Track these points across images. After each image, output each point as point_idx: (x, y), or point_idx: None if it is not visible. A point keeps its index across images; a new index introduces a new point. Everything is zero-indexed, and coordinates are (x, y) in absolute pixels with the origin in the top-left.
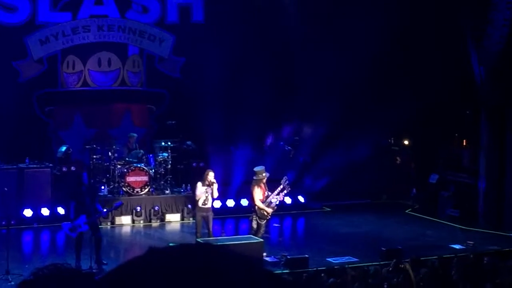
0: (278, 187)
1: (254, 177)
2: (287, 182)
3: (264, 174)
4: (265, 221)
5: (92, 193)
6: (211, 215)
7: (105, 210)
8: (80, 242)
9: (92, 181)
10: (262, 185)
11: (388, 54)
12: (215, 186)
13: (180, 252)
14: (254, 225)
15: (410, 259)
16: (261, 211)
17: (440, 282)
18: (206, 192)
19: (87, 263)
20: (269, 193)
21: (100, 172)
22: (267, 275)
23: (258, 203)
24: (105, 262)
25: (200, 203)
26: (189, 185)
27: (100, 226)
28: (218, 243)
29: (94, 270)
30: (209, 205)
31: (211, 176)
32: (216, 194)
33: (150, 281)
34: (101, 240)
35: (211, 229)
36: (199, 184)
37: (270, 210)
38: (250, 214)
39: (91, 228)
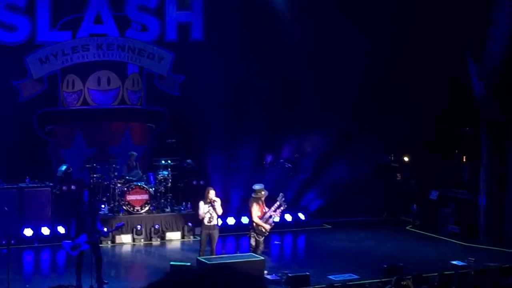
0: (274, 203)
1: (253, 195)
2: (283, 199)
3: (263, 193)
4: (263, 237)
5: (93, 212)
6: (216, 233)
7: (106, 229)
8: (80, 261)
9: (93, 200)
10: (261, 203)
11: (388, 71)
12: (218, 203)
13: (194, 276)
14: (253, 242)
15: (412, 276)
16: (259, 227)
17: None
18: (210, 210)
19: (87, 283)
20: (266, 209)
21: (100, 190)
22: None
23: (256, 219)
24: (106, 281)
25: (205, 221)
26: (189, 203)
27: (100, 245)
28: (220, 262)
29: None
30: (214, 222)
31: (211, 194)
32: (220, 211)
33: None
34: (101, 260)
35: (214, 247)
36: (201, 203)
37: (268, 227)
38: (249, 232)
39: (92, 247)
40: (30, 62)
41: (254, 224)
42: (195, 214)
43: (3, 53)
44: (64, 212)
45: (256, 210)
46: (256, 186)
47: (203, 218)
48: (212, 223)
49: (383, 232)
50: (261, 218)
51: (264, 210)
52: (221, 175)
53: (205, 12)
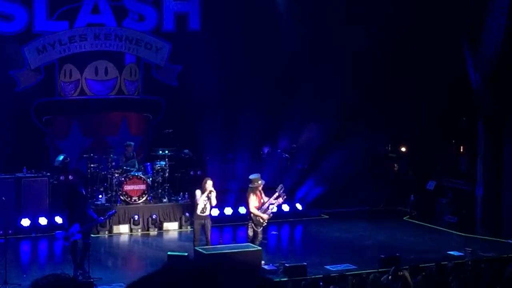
0: (273, 194)
1: (250, 185)
2: (282, 190)
3: (259, 182)
4: (261, 228)
5: (85, 201)
6: (209, 223)
7: (102, 218)
8: (75, 250)
9: (86, 189)
10: (258, 193)
11: (385, 62)
12: (213, 194)
13: (190, 268)
14: (250, 232)
15: (409, 266)
16: (257, 217)
17: None
18: (205, 200)
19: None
20: (265, 200)
21: (97, 181)
22: (268, 283)
23: (253, 210)
24: (87, 271)
25: (198, 211)
26: (186, 193)
27: (98, 235)
28: (217, 252)
29: (80, 278)
30: (207, 213)
31: (209, 184)
32: (214, 202)
33: None
34: (89, 247)
35: (209, 237)
36: (198, 191)
37: (266, 217)
38: (247, 222)
39: (83, 235)
40: (27, 51)
41: (252, 214)
42: (192, 204)
43: (0, 43)
44: (61, 202)
45: (253, 201)
46: (252, 176)
47: (196, 208)
48: (205, 213)
49: (380, 222)
50: (259, 208)
51: (262, 200)
52: (219, 165)
53: (202, 2)
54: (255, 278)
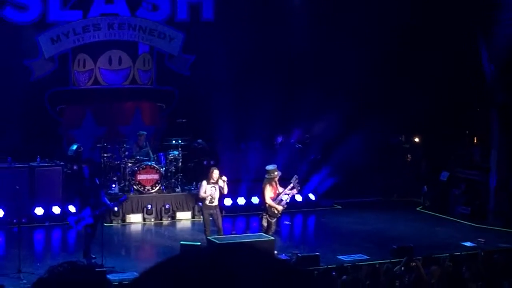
0: (288, 185)
1: (266, 176)
2: (297, 181)
3: (276, 173)
4: (276, 219)
5: (96, 187)
6: (219, 213)
7: (112, 204)
8: (87, 236)
9: (95, 175)
10: (274, 184)
11: (398, 52)
12: (225, 182)
13: (203, 256)
14: (264, 223)
15: (422, 257)
16: (272, 209)
17: (451, 280)
18: (212, 190)
19: (99, 260)
20: (280, 190)
21: (111, 170)
22: (285, 267)
23: (269, 201)
24: (93, 256)
25: (207, 201)
26: (199, 183)
27: (111, 224)
28: (231, 241)
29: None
30: (216, 203)
31: (215, 174)
32: (226, 190)
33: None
34: (95, 232)
35: (220, 227)
36: (204, 182)
37: (280, 208)
38: (261, 212)
39: (94, 220)
40: (41, 41)
41: (267, 205)
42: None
43: (15, 33)
44: (74, 190)
45: (269, 191)
46: (269, 167)
47: (204, 198)
48: (213, 204)
49: (394, 213)
50: (274, 199)
51: (277, 191)
52: (231, 155)
53: None
54: (274, 264)
